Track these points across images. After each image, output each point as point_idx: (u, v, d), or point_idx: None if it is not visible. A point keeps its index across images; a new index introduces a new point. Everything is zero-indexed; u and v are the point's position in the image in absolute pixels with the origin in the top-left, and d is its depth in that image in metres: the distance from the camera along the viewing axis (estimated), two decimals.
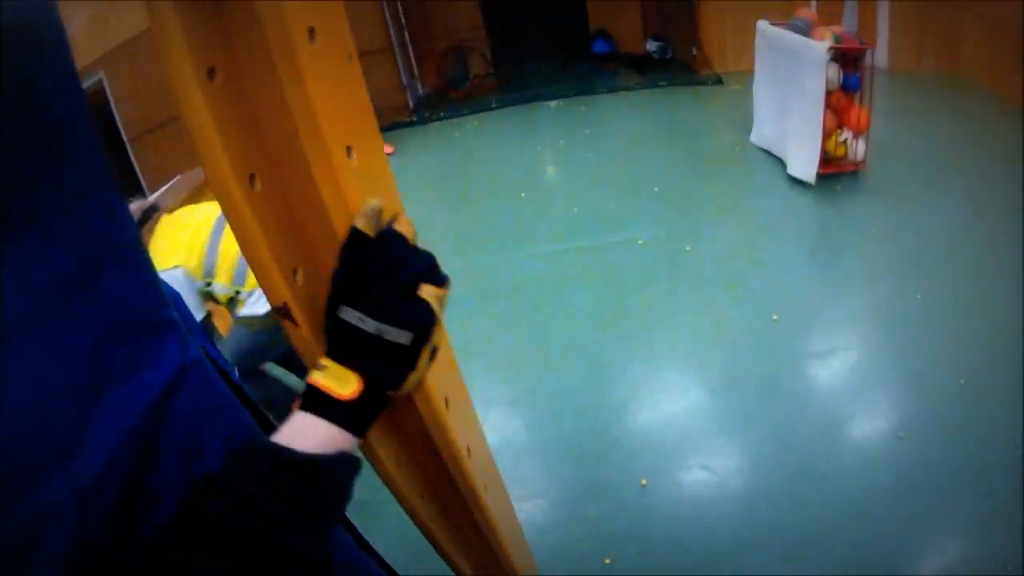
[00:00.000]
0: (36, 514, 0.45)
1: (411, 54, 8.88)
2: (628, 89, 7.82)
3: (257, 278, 0.65)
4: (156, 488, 0.57)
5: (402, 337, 0.61)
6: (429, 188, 6.30)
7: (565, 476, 3.00)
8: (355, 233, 0.62)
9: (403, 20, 8.67)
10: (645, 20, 8.74)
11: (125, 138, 11.10)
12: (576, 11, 8.95)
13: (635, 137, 6.35)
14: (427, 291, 0.63)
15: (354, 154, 0.64)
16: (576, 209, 5.19)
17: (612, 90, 7.83)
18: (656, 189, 5.17)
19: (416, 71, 8.98)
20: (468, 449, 0.84)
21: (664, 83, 7.72)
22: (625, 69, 8.47)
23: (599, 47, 8.84)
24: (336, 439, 0.61)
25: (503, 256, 4.79)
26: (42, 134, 0.50)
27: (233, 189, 0.60)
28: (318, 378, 0.62)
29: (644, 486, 2.82)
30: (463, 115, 8.12)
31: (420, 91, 9.02)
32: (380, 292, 0.62)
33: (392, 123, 8.20)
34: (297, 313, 0.68)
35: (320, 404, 0.61)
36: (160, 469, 0.58)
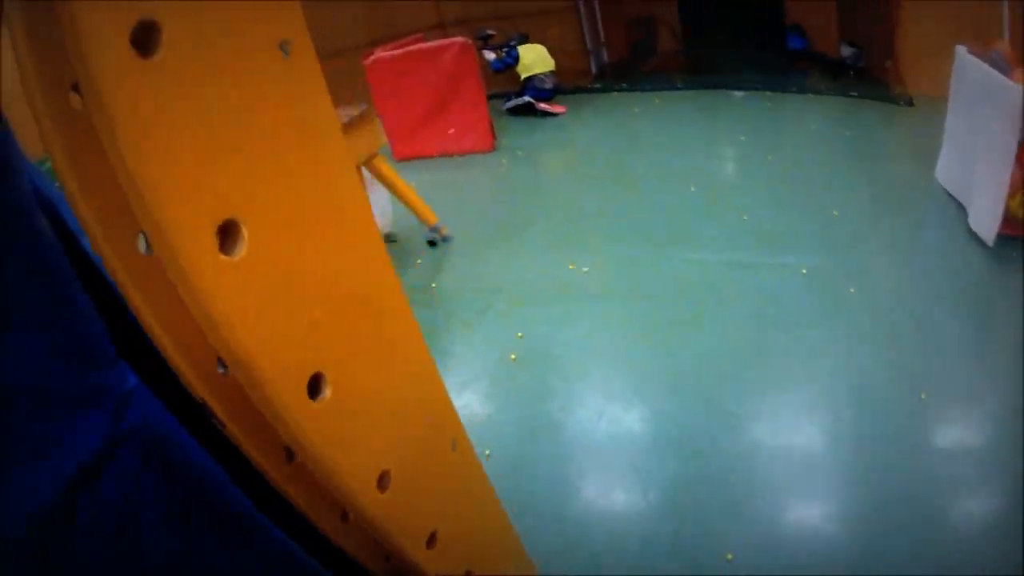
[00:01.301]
0: None
1: (598, 17, 8.91)
2: (817, 93, 7.69)
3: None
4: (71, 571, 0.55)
5: None
6: (593, 162, 6.39)
7: (645, 529, 2.84)
8: None
9: None
10: (841, 21, 8.54)
11: None
12: (773, 1, 8.85)
13: (818, 148, 6.27)
14: None
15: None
16: (745, 218, 5.09)
17: (801, 91, 7.74)
18: (835, 213, 5.14)
19: (602, 36, 9.03)
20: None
21: (854, 93, 7.60)
22: (816, 71, 8.38)
23: (793, 43, 8.71)
24: None
25: (654, 253, 4.74)
26: None
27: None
28: None
29: (730, 560, 2.64)
30: (645, 90, 8.16)
31: (604, 57, 9.09)
32: None
33: (573, 87, 8.36)
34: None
35: None
36: (74, 555, 0.57)
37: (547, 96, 7.96)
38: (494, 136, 7.32)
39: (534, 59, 7.94)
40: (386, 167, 5.18)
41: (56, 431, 0.56)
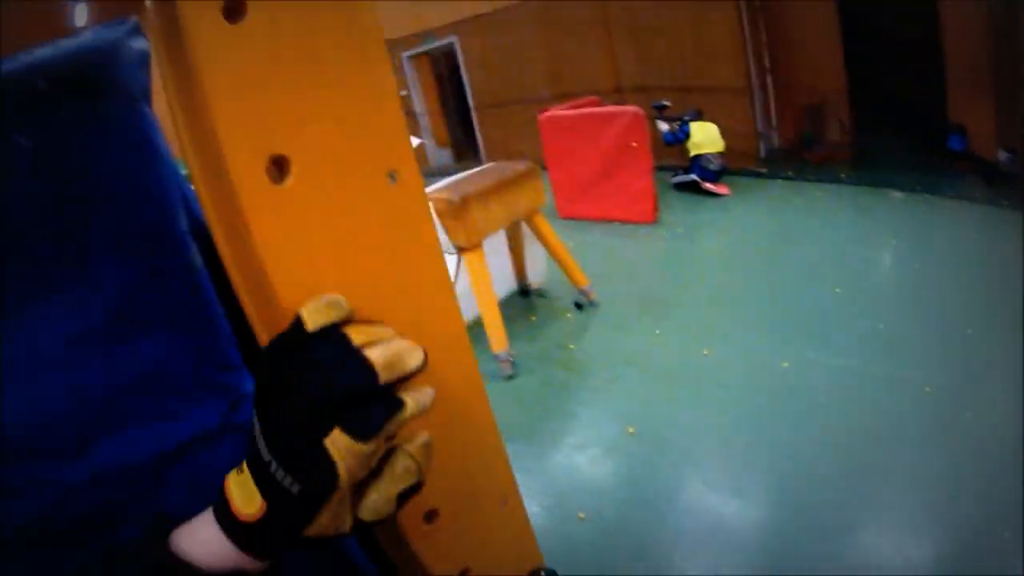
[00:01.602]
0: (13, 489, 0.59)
1: (771, 101, 8.88)
2: (972, 200, 7.33)
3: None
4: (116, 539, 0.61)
5: (290, 484, 0.51)
6: (747, 248, 6.35)
7: None
8: (295, 322, 0.53)
9: (767, 62, 8.66)
10: (999, 124, 8.10)
11: (471, 105, 12.61)
12: (938, 98, 8.50)
13: (964, 259, 5.94)
14: (335, 440, 0.49)
15: None
16: (881, 326, 4.87)
17: (956, 196, 7.44)
18: (969, 331, 4.87)
19: (774, 120, 8.99)
20: None
21: (1006, 203, 7.18)
22: (972, 175, 7.99)
23: (954, 143, 8.31)
24: (231, 556, 0.54)
25: (785, 349, 4.61)
26: (99, 198, 0.61)
27: None
28: (230, 482, 0.55)
29: None
30: (809, 180, 8.06)
31: (775, 142, 9.02)
32: (284, 411, 0.51)
33: (740, 169, 8.36)
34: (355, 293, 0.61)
35: (223, 513, 0.54)
36: (120, 529, 0.63)
37: (713, 177, 7.96)
38: (656, 208, 7.39)
39: (704, 138, 7.98)
40: (545, 225, 5.37)
41: (163, 410, 0.65)
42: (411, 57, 13.69)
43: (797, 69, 8.63)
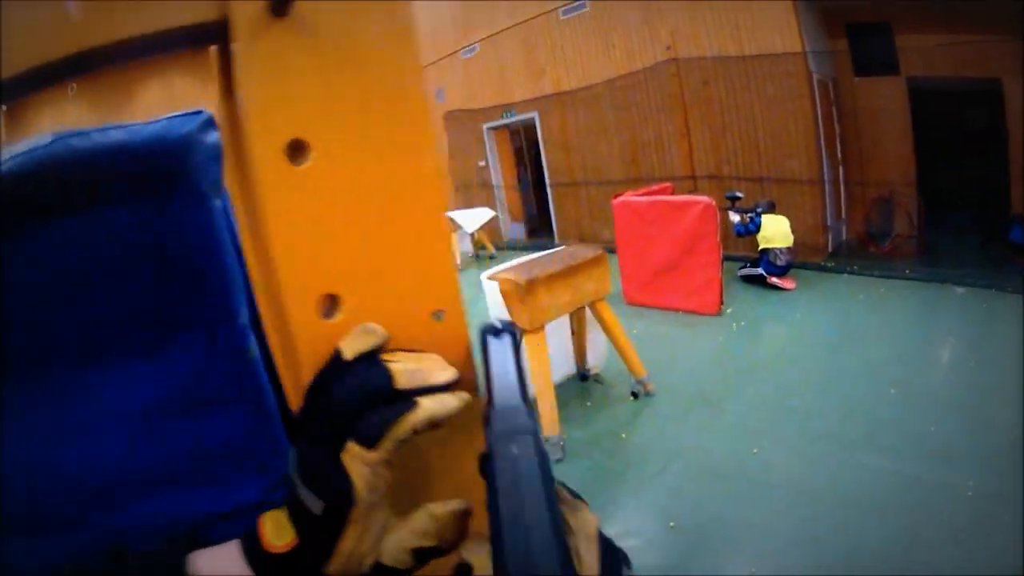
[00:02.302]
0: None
1: (841, 193, 8.90)
2: None
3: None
4: None
5: (312, 503, 0.53)
6: (807, 345, 6.37)
7: None
8: (334, 353, 0.57)
9: (839, 155, 8.71)
10: None
11: (548, 182, 12.95)
12: (1001, 191, 8.45)
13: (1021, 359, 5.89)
14: (349, 450, 0.51)
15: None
16: (933, 429, 4.82)
17: (1017, 290, 7.36)
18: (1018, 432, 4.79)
19: (843, 213, 9.01)
20: None
21: None
22: None
23: (1016, 235, 8.29)
24: None
25: (836, 451, 4.58)
26: (173, 275, 0.63)
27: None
28: (266, 517, 0.56)
29: None
30: (873, 275, 8.05)
31: (843, 235, 9.02)
32: (310, 431, 0.55)
33: (807, 262, 8.42)
34: None
35: (251, 543, 0.55)
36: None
37: (780, 272, 8.04)
38: (721, 301, 7.47)
39: (775, 232, 8.06)
40: (608, 312, 5.55)
41: (213, 481, 0.67)
42: (492, 129, 14.08)
43: (867, 162, 8.71)
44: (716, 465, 4.54)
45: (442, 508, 0.58)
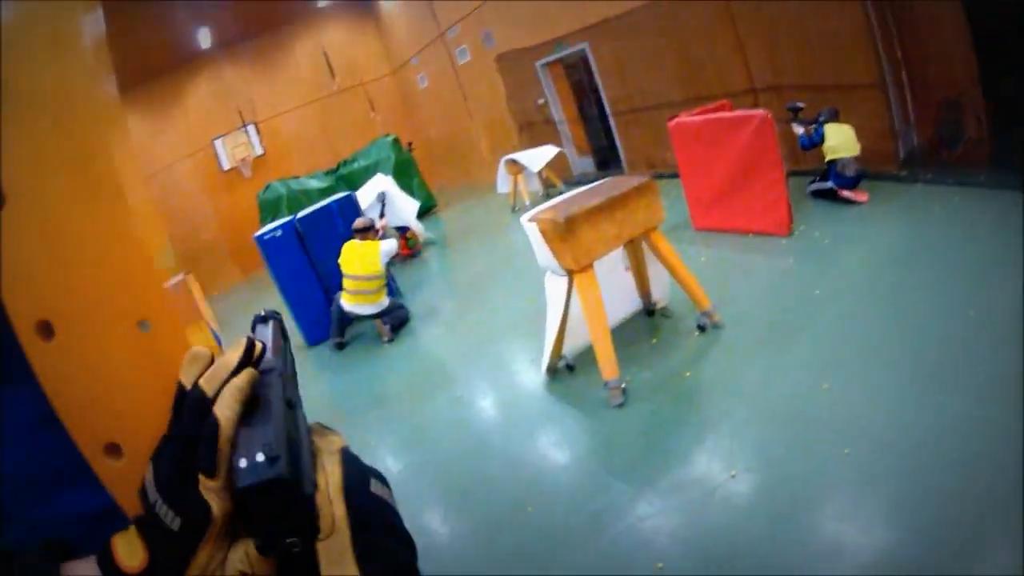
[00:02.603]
0: None
1: (907, 97, 8.25)
2: None
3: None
4: None
5: (171, 520, 0.57)
6: (880, 268, 5.79)
7: None
8: (177, 388, 0.62)
9: (899, 55, 8.05)
10: None
11: (609, 112, 12.61)
12: None
13: None
14: (203, 482, 0.57)
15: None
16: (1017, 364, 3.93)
17: None
18: None
19: (911, 118, 8.35)
20: None
21: None
22: None
23: None
24: None
25: (902, 388, 4.06)
26: None
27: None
28: (116, 539, 0.60)
29: None
30: (947, 183, 7.34)
31: (914, 141, 8.36)
32: (165, 457, 0.60)
33: (878, 172, 7.91)
34: (125, 436, 0.69)
35: (107, 566, 0.59)
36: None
37: (850, 183, 7.53)
38: (791, 220, 7.07)
39: (840, 141, 7.57)
40: (663, 243, 5.27)
41: None
42: (545, 65, 13.84)
43: (929, 62, 7.99)
44: (783, 406, 4.24)
45: (250, 547, 0.60)
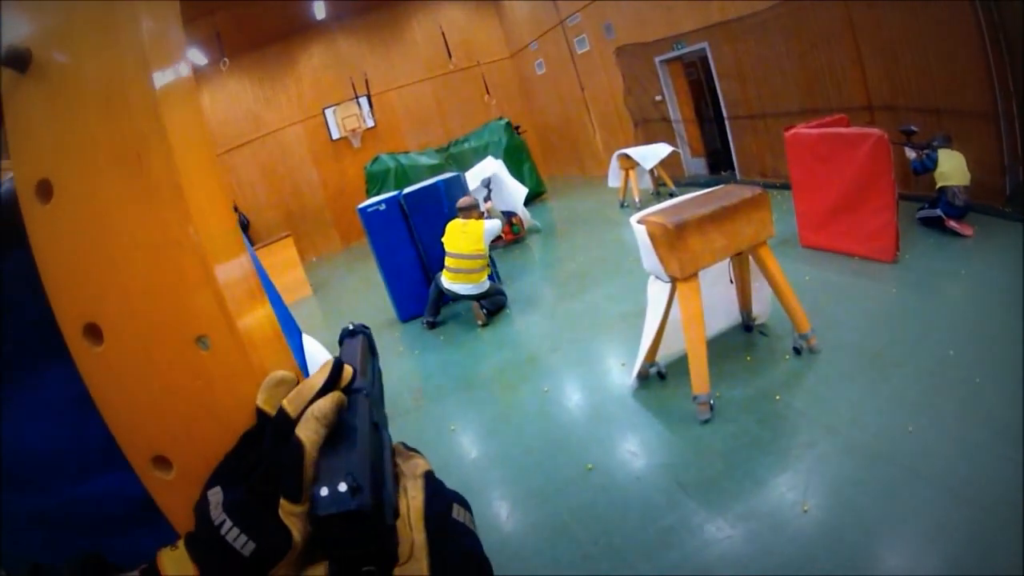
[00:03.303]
0: None
1: (1017, 130, 7.77)
2: None
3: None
4: None
5: (243, 545, 0.57)
6: (980, 302, 5.64)
7: None
8: (257, 412, 0.64)
9: (1011, 86, 7.58)
10: None
11: (725, 115, 12.46)
12: None
13: None
14: (285, 508, 0.58)
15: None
16: None
17: None
18: None
19: (1020, 152, 7.86)
20: None
21: None
22: None
23: None
24: None
25: (992, 439, 3.94)
26: None
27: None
28: (164, 558, 0.59)
29: None
30: None
31: (1020, 176, 7.87)
32: (251, 483, 0.60)
33: (983, 206, 7.60)
34: (176, 451, 0.68)
35: None
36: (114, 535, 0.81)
37: (957, 213, 7.27)
38: (897, 246, 6.88)
39: (952, 168, 7.33)
40: (771, 259, 5.22)
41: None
42: (664, 62, 13.72)
43: None
44: (867, 445, 4.17)
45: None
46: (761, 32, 10.69)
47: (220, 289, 0.67)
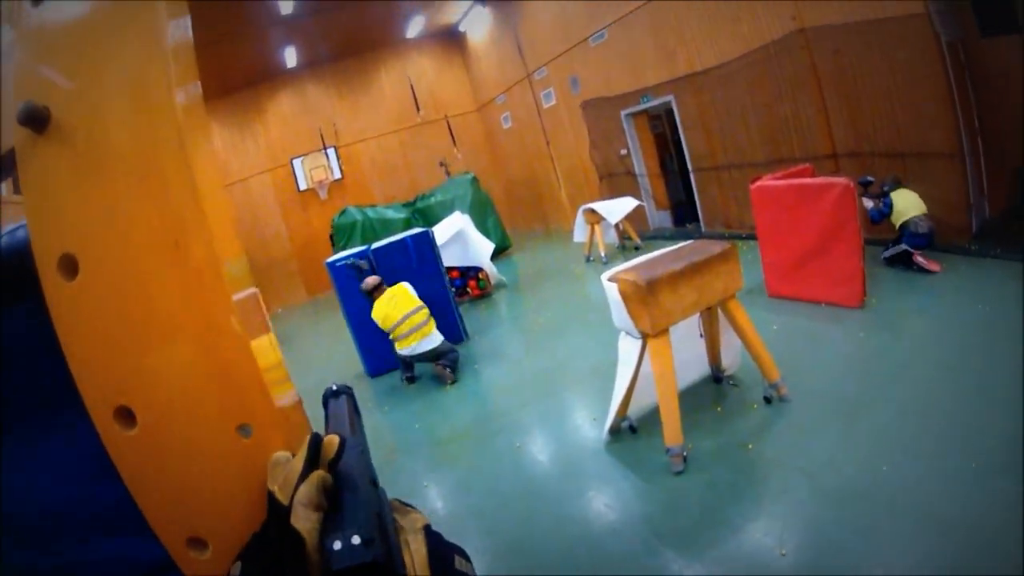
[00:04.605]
0: None
1: (983, 167, 8.11)
2: None
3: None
4: None
5: None
6: (950, 342, 5.78)
7: None
8: (268, 495, 0.63)
9: (976, 125, 7.94)
10: None
11: (690, 167, 12.68)
12: None
13: None
14: None
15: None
16: None
17: None
18: None
19: (985, 189, 8.22)
20: None
21: None
22: None
23: None
24: None
25: (969, 476, 4.01)
26: None
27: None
28: None
29: None
30: (1018, 259, 7.07)
31: (986, 213, 8.22)
32: (263, 564, 0.62)
33: (950, 245, 7.87)
34: (214, 533, 0.68)
35: None
36: None
37: (923, 243, 7.53)
38: (864, 292, 7.05)
39: (907, 204, 7.62)
40: (740, 312, 5.32)
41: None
42: (630, 115, 13.95)
43: (1005, 131, 7.81)
44: (844, 485, 4.23)
45: None
46: (726, 83, 10.96)
47: (263, 379, 0.67)
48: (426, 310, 8.24)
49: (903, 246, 7.67)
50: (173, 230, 0.64)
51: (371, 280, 8.42)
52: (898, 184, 7.87)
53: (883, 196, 7.77)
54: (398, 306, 8.13)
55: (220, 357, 0.66)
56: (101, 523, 0.76)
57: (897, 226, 7.76)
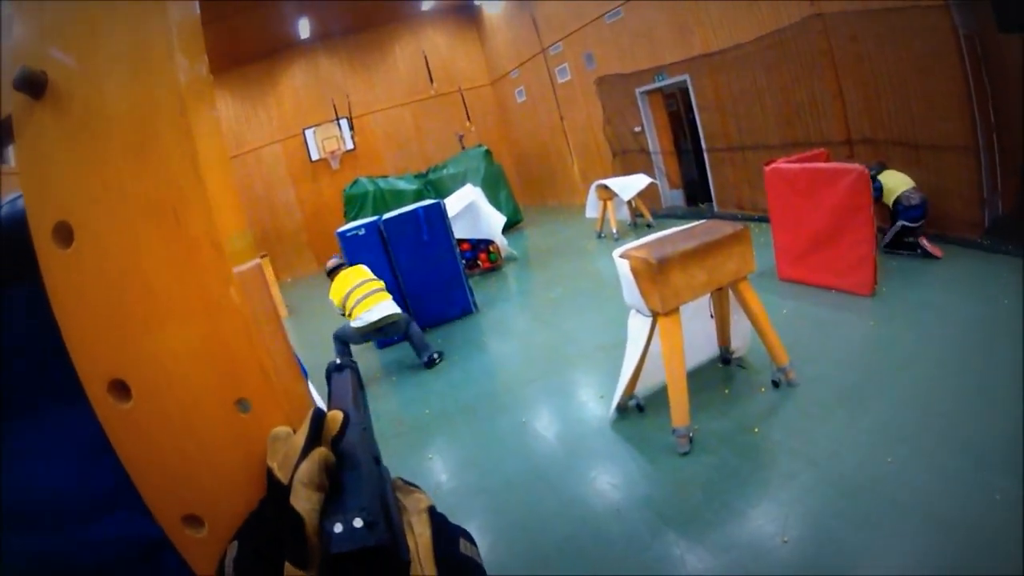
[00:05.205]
0: None
1: (997, 162, 7.96)
2: None
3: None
4: None
5: None
6: (958, 335, 5.69)
7: None
8: (268, 472, 0.61)
9: (992, 119, 7.78)
10: None
11: (704, 147, 12.58)
12: None
13: None
14: (290, 571, 0.56)
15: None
16: None
17: None
18: None
19: (999, 184, 8.06)
20: None
21: None
22: None
23: None
24: None
25: (970, 471, 3.99)
26: None
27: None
28: None
29: None
30: None
31: (999, 208, 8.06)
32: (258, 543, 0.61)
33: (962, 239, 7.80)
34: (210, 510, 0.67)
35: None
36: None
37: (918, 214, 7.53)
38: (875, 280, 6.98)
39: (895, 182, 7.66)
40: (751, 294, 5.26)
41: None
42: (645, 93, 13.86)
43: (1017, 127, 7.61)
44: (846, 476, 4.19)
45: None
46: (742, 65, 10.84)
47: (262, 353, 0.65)
48: (382, 283, 8.20)
49: (900, 223, 7.68)
50: (171, 199, 0.61)
51: (332, 260, 8.54)
52: (883, 167, 7.93)
53: (872, 181, 7.65)
54: (355, 276, 8.15)
55: (218, 329, 0.64)
56: (105, 502, 0.75)
57: (890, 204, 7.77)
